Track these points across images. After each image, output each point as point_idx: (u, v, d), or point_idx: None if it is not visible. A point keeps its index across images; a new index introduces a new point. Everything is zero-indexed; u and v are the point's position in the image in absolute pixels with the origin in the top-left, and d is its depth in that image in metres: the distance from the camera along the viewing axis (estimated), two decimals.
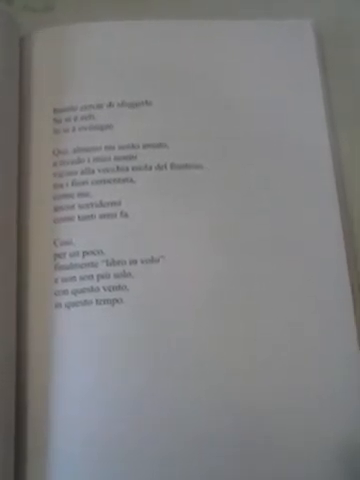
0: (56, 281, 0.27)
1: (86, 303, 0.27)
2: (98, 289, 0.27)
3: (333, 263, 0.29)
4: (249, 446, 0.26)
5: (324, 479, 0.26)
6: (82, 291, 0.27)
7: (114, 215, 0.28)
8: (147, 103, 0.30)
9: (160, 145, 0.29)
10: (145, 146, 0.29)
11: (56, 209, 0.28)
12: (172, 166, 0.29)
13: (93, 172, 0.29)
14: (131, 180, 0.29)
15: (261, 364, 0.27)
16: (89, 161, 0.29)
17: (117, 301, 0.27)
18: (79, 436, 0.26)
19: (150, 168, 0.29)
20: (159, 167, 0.29)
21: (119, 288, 0.27)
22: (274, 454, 0.26)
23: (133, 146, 0.29)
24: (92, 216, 0.28)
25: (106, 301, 0.27)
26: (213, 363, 0.27)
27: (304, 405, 0.27)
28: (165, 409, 0.26)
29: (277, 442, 0.26)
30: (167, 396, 0.26)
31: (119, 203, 0.28)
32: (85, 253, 0.28)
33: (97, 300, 0.27)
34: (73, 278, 0.27)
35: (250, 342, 0.27)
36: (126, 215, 0.28)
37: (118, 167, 0.29)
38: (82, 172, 0.29)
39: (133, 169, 0.29)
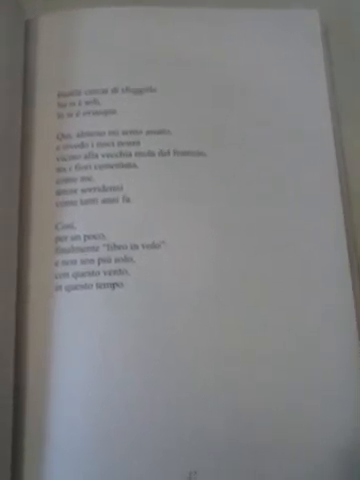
0: (57, 264, 0.27)
1: (86, 286, 0.27)
2: (98, 273, 0.27)
3: (333, 251, 0.29)
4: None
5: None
6: (83, 275, 0.27)
7: (116, 200, 0.28)
8: (151, 89, 0.30)
9: (163, 131, 0.29)
10: (148, 132, 0.29)
11: (59, 193, 0.28)
12: (175, 152, 0.29)
13: (96, 157, 0.29)
14: (134, 165, 0.29)
15: (261, 352, 0.27)
16: (92, 146, 0.29)
17: (117, 285, 0.27)
18: (79, 419, 0.26)
19: (153, 154, 0.29)
20: (162, 153, 0.29)
21: (120, 272, 0.27)
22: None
23: (136, 132, 0.29)
24: (94, 200, 0.28)
25: (106, 285, 0.27)
26: (213, 349, 0.27)
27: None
28: (164, 399, 0.26)
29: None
30: (166, 384, 0.26)
31: (121, 188, 0.28)
32: (86, 237, 0.28)
33: (97, 284, 0.27)
34: (74, 261, 0.27)
35: (250, 328, 0.27)
36: (128, 200, 0.28)
37: (121, 152, 0.29)
38: (85, 157, 0.29)
39: (136, 155, 0.29)
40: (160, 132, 0.29)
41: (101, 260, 0.28)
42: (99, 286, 0.27)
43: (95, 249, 0.28)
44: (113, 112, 0.30)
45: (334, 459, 0.26)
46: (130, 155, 0.29)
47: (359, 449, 0.26)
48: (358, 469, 0.26)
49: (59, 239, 0.28)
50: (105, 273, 0.27)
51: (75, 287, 0.27)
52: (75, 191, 0.28)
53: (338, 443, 0.26)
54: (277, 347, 0.27)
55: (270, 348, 0.27)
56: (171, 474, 0.26)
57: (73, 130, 0.29)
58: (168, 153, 0.29)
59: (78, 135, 0.29)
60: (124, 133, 0.29)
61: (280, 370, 0.27)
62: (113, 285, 0.27)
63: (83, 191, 0.28)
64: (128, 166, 0.29)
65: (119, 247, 0.28)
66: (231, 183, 0.29)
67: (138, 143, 0.29)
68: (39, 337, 0.27)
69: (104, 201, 0.28)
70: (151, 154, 0.29)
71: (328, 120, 0.30)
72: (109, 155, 0.29)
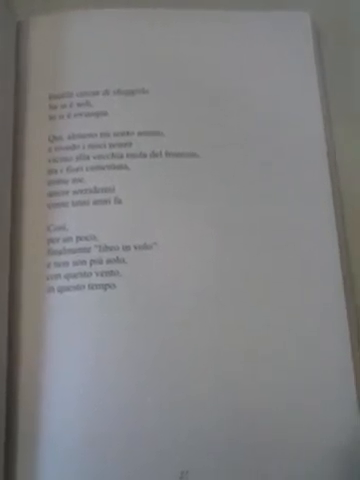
0: (49, 266, 0.27)
1: (78, 288, 0.27)
2: (90, 274, 0.27)
3: (326, 249, 0.29)
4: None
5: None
6: (75, 276, 0.27)
7: (108, 201, 0.28)
8: (143, 91, 0.30)
9: (155, 133, 0.30)
10: (140, 133, 0.29)
11: (50, 194, 0.28)
12: (167, 154, 0.29)
13: (88, 158, 0.29)
14: (125, 167, 0.29)
15: (258, 352, 0.27)
16: (84, 147, 0.29)
17: (109, 286, 0.27)
18: (72, 420, 0.26)
19: (145, 155, 0.29)
20: (154, 154, 0.29)
21: (111, 273, 0.27)
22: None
23: (128, 133, 0.29)
24: (86, 202, 0.28)
25: (98, 286, 0.27)
26: (207, 350, 0.27)
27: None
28: (157, 400, 0.26)
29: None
30: (159, 385, 0.26)
31: (113, 189, 0.29)
32: (78, 238, 0.28)
33: (89, 285, 0.27)
34: (66, 263, 0.27)
35: (248, 328, 0.27)
36: (120, 201, 0.28)
37: (113, 154, 0.29)
38: (77, 158, 0.29)
39: (128, 156, 0.29)
40: (152, 133, 0.29)
41: (93, 261, 0.28)
42: (91, 287, 0.27)
43: (87, 250, 0.28)
44: (105, 114, 0.30)
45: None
46: (122, 157, 0.29)
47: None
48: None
49: (51, 241, 0.28)
50: (97, 274, 0.27)
51: (67, 288, 0.27)
52: (67, 193, 0.28)
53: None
54: (275, 347, 0.27)
55: (268, 348, 0.27)
56: (163, 474, 0.26)
57: (65, 132, 0.29)
58: (160, 154, 0.29)
59: (69, 137, 0.29)
60: (116, 135, 0.29)
61: (279, 370, 0.27)
62: (105, 286, 0.27)
63: (75, 193, 0.28)
64: (120, 167, 0.29)
65: (111, 248, 0.28)
66: (223, 184, 0.29)
67: (130, 144, 0.29)
68: (31, 338, 0.27)
69: (96, 202, 0.28)
70: (143, 155, 0.29)
71: (320, 120, 0.31)
72: (101, 157, 0.29)
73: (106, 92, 0.30)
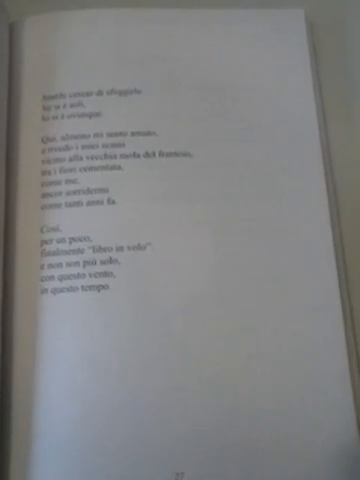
0: (42, 267, 0.27)
1: (72, 289, 0.27)
2: (84, 275, 0.27)
3: (320, 248, 0.29)
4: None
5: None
6: (68, 277, 0.27)
7: (101, 202, 0.28)
8: (136, 91, 0.30)
9: (148, 133, 0.29)
10: (133, 134, 0.29)
11: (44, 196, 0.28)
12: (160, 154, 0.29)
13: (81, 159, 0.29)
14: (119, 167, 0.29)
15: (257, 353, 0.27)
16: (77, 148, 0.29)
17: (103, 287, 0.27)
18: (66, 422, 0.26)
19: (138, 156, 0.29)
20: (147, 155, 0.29)
21: (105, 275, 0.27)
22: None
23: (121, 134, 0.29)
24: (79, 203, 0.28)
25: (92, 287, 0.27)
26: (201, 352, 0.27)
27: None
28: (153, 401, 0.26)
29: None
30: (155, 386, 0.26)
31: (106, 190, 0.28)
32: (72, 240, 0.28)
33: (83, 286, 0.27)
34: (59, 264, 0.27)
35: (238, 329, 0.27)
36: (113, 202, 0.28)
37: (106, 154, 0.29)
38: (70, 159, 0.29)
39: (121, 156, 0.29)
40: (145, 134, 0.29)
41: (86, 263, 0.28)
42: (85, 289, 0.27)
43: (80, 251, 0.28)
44: (98, 114, 0.30)
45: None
46: (115, 157, 0.29)
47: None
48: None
49: (45, 242, 0.28)
50: (91, 275, 0.27)
51: (61, 290, 0.27)
52: (60, 194, 0.28)
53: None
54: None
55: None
56: (158, 475, 0.26)
57: (58, 133, 0.29)
58: (153, 154, 0.29)
59: (63, 138, 0.29)
60: (109, 135, 0.29)
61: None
62: (98, 287, 0.27)
63: (68, 194, 0.28)
64: (113, 168, 0.29)
65: (104, 249, 0.28)
66: (217, 183, 0.29)
67: (123, 145, 0.29)
68: (25, 340, 0.27)
69: (89, 203, 0.28)
70: (136, 156, 0.29)
71: (314, 117, 0.31)
72: (94, 157, 0.29)
73: (99, 93, 0.30)
